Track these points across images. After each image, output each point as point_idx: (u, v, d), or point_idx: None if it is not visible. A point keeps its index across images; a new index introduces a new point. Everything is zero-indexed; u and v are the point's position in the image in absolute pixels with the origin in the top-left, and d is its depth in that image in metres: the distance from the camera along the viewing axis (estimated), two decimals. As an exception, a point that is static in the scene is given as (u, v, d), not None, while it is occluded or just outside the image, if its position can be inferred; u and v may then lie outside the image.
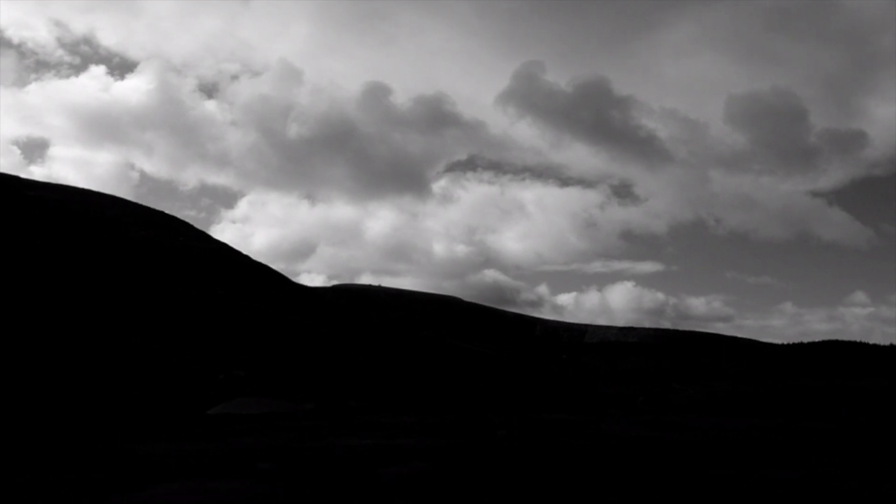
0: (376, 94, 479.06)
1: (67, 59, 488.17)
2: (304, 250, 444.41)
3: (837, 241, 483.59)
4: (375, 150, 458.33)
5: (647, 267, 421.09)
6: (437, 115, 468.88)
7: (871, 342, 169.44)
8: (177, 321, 60.44)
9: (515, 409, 41.68)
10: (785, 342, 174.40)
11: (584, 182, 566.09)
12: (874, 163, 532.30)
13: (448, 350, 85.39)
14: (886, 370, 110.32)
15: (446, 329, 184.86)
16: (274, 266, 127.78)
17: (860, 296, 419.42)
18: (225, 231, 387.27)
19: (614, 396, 62.46)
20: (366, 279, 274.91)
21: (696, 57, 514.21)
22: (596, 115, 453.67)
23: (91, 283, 67.59)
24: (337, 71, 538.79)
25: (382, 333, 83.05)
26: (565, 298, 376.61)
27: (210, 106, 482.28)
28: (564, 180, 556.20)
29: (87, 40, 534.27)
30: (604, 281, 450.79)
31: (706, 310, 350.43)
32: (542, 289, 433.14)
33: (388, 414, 39.43)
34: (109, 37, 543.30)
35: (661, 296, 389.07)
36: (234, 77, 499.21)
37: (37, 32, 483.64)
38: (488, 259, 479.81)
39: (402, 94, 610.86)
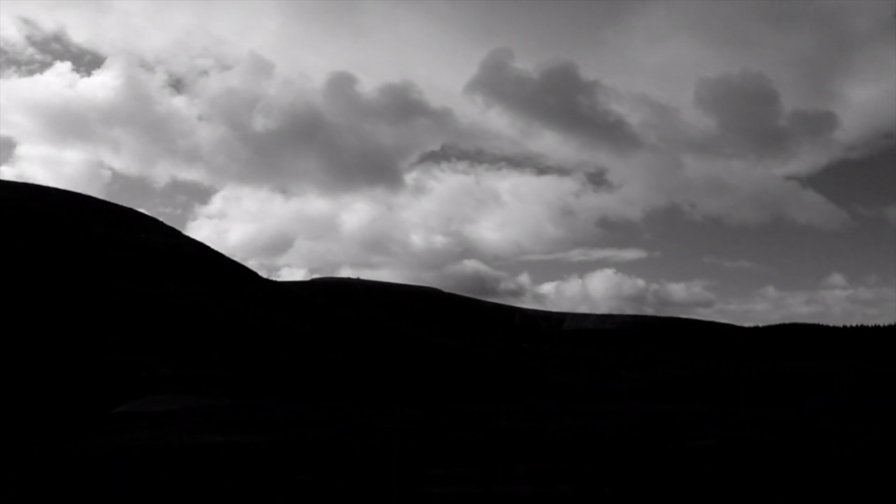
0: (341, 84, 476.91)
1: (39, 57, 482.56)
2: (281, 245, 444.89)
3: (812, 223, 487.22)
4: (345, 142, 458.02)
5: (630, 254, 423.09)
6: (405, 105, 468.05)
7: (854, 324, 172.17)
8: (119, 318, 60.66)
9: (431, 400, 42.25)
10: (755, 325, 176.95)
11: (559, 170, 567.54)
12: (850, 145, 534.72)
13: (405, 340, 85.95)
14: (841, 352, 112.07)
15: (424, 320, 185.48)
16: (253, 261, 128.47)
17: (838, 278, 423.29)
18: (202, 227, 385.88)
19: (555, 384, 63.39)
20: (345, 272, 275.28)
21: (667, 42, 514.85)
22: (563, 102, 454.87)
23: (38, 280, 67.70)
24: (309, 63, 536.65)
25: (334, 326, 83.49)
26: (547, 287, 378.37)
27: (179, 101, 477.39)
28: (540, 169, 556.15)
29: (58, 38, 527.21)
30: (585, 269, 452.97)
31: (686, 295, 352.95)
32: (524, 278, 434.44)
33: (307, 407, 39.91)
34: (79, 34, 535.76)
35: (641, 283, 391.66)
36: (204, 72, 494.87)
37: (6, 31, 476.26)
38: (466, 249, 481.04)
39: (371, 84, 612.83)
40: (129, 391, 40.01)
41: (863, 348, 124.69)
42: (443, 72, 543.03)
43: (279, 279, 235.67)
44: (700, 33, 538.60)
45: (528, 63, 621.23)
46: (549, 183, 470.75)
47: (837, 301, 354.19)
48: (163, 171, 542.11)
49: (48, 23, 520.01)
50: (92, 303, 65.41)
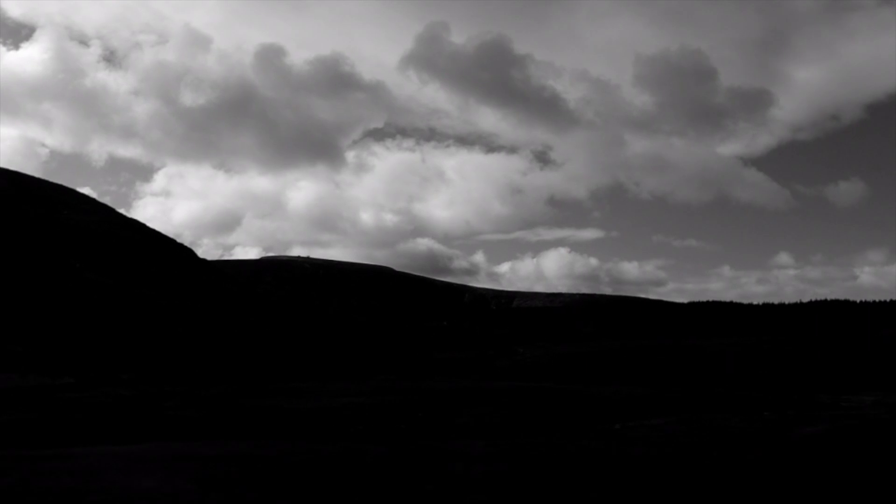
0: (269, 56, 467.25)
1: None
2: (229, 223, 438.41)
3: (755, 202, 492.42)
4: (280, 116, 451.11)
5: (586, 234, 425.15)
6: (336, 78, 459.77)
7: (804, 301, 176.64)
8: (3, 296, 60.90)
9: (275, 379, 43.50)
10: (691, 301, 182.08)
11: (508, 148, 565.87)
12: (797, 126, 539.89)
13: (304, 315, 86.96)
14: (749, 329, 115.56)
15: (373, 299, 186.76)
16: (207, 239, 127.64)
17: (785, 257, 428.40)
18: (147, 206, 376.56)
19: (438, 361, 65.05)
20: (297, 251, 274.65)
21: (611, 19, 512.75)
22: (497, 76, 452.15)
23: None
24: (247, 37, 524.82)
25: (236, 306, 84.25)
26: (504, 267, 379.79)
27: (112, 75, 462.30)
28: (489, 147, 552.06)
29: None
30: (541, 248, 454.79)
31: (639, 274, 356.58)
32: (479, 257, 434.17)
33: (153, 385, 40.85)
34: (15, 8, 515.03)
35: (594, 262, 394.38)
36: (139, 46, 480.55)
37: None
38: (417, 227, 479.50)
39: (301, 57, 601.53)
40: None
41: (786, 325, 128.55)
42: (379, 45, 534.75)
43: (232, 258, 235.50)
44: (643, 10, 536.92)
45: (465, 38, 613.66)
46: (496, 161, 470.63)
47: (789, 280, 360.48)
48: (99, 148, 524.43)
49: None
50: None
